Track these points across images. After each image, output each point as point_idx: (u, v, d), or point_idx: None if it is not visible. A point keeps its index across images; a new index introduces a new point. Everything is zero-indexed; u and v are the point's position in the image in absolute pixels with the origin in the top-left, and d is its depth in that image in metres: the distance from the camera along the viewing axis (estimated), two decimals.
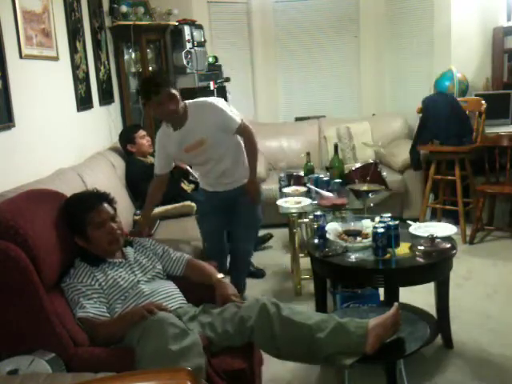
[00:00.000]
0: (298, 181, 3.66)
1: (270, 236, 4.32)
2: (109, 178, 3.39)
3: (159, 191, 2.93)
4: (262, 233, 4.31)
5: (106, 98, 4.23)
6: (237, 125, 2.77)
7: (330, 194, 3.27)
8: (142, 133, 3.90)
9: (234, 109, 2.86)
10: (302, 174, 3.74)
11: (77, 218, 2.07)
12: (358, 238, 2.55)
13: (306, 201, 3.28)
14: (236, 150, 2.87)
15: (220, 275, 2.21)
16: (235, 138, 2.85)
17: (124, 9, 4.46)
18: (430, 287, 2.68)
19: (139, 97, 2.85)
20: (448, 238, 2.56)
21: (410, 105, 4.82)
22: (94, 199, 2.14)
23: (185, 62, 4.70)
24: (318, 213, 2.75)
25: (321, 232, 2.61)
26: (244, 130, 2.82)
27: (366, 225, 2.65)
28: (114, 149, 3.99)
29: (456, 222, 3.99)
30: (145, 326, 1.79)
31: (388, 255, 2.41)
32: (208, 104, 2.74)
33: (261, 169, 4.71)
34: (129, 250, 2.22)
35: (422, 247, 2.45)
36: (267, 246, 4.29)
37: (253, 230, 3.10)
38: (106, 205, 2.13)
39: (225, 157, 2.83)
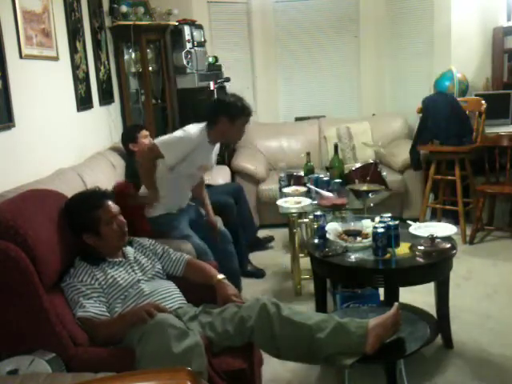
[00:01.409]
0: (298, 181, 3.66)
1: (271, 238, 4.31)
2: (109, 178, 3.39)
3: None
4: (262, 234, 4.33)
5: (106, 97, 4.23)
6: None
7: (330, 194, 3.27)
8: (144, 133, 3.86)
9: None
10: (302, 174, 3.74)
11: (84, 217, 2.07)
12: (358, 238, 2.55)
13: (306, 201, 3.28)
14: None
15: (220, 276, 2.21)
16: None
17: (124, 9, 4.45)
18: (430, 287, 2.68)
19: (226, 109, 2.86)
20: (448, 238, 2.56)
21: (410, 105, 4.82)
22: (99, 197, 2.16)
23: (185, 62, 4.70)
24: (318, 213, 2.75)
25: (321, 232, 2.61)
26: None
27: (366, 225, 2.65)
28: (114, 149, 3.98)
29: (456, 222, 3.99)
30: (145, 330, 1.78)
31: (388, 255, 2.41)
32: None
33: (261, 169, 4.73)
34: (129, 250, 2.22)
35: (422, 247, 2.45)
36: (268, 247, 4.28)
37: None
38: (110, 201, 2.15)
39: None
